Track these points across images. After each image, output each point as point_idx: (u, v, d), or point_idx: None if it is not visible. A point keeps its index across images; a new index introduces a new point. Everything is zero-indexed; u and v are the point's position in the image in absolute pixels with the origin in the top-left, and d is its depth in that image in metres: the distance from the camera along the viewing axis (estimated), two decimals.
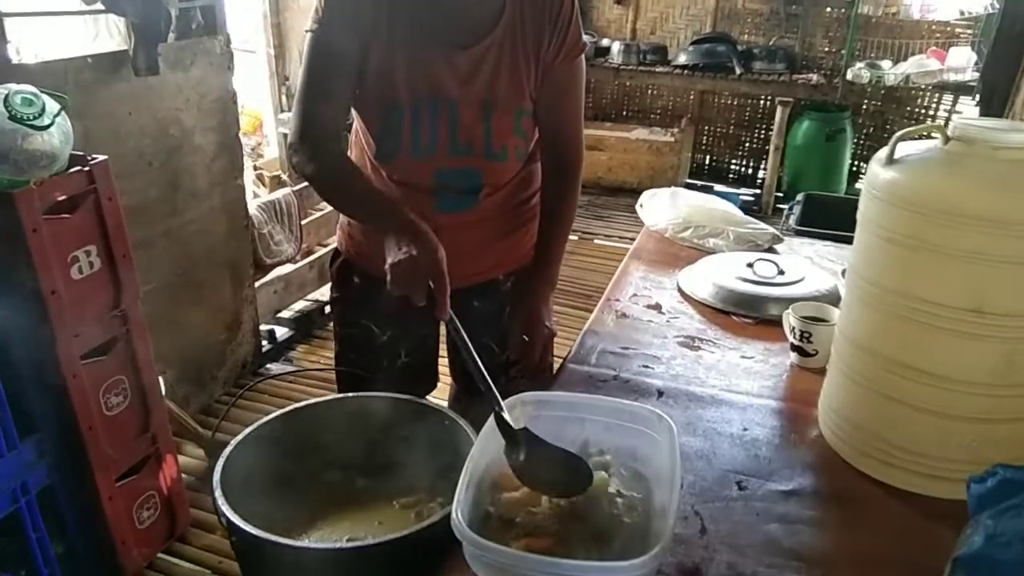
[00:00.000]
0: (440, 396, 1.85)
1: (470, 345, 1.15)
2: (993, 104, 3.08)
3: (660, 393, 1.47)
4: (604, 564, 0.97)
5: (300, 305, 3.37)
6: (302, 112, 1.36)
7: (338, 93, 1.37)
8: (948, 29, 5.10)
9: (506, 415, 1.10)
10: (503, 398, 1.14)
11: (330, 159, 1.36)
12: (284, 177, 3.71)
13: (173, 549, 2.12)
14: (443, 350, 1.76)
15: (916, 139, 1.19)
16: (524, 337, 1.50)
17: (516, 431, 1.10)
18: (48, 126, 1.52)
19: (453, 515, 0.99)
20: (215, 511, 1.13)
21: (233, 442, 1.27)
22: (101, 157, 1.70)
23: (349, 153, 1.59)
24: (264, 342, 3.11)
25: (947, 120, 1.16)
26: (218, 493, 1.15)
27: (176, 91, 2.40)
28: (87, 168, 1.67)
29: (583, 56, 1.47)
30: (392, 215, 1.27)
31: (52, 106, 1.55)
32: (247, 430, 1.30)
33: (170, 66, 2.35)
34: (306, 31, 1.35)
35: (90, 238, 1.69)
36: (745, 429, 1.37)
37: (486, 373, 1.12)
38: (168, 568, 2.08)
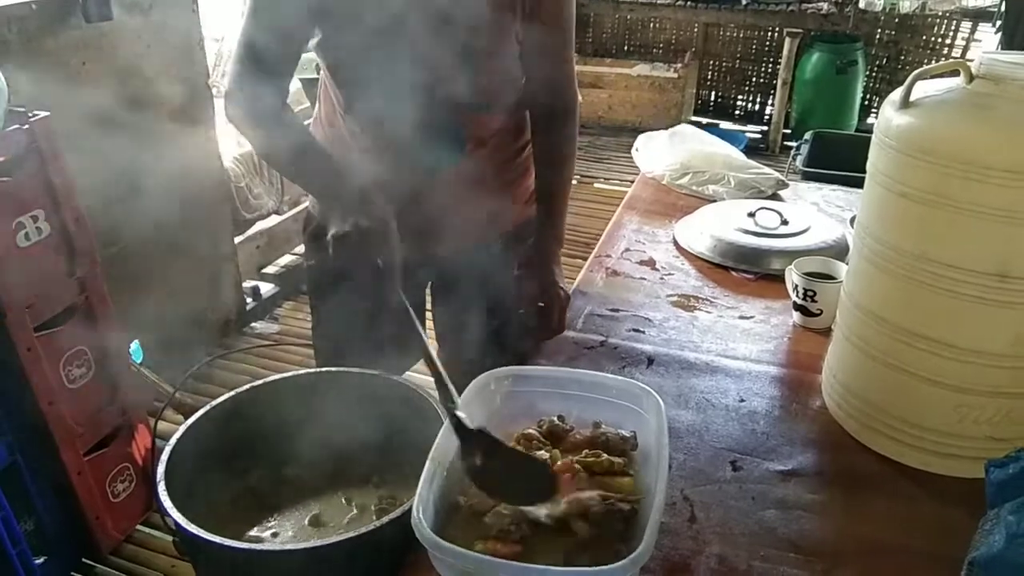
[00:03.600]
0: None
1: (424, 337, 1.07)
2: (1018, 33, 2.89)
3: (650, 360, 1.36)
4: (577, 570, 0.87)
5: (286, 260, 3.26)
6: (239, 61, 1.21)
7: (283, 37, 1.23)
8: None
9: (462, 415, 0.98)
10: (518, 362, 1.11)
11: (269, 119, 1.22)
12: None
13: (152, 521, 2.05)
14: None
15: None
16: (540, 304, 1.39)
17: (473, 433, 0.98)
18: None
19: (414, 514, 0.89)
20: (159, 510, 1.04)
21: (182, 428, 1.18)
22: (43, 113, 1.57)
23: (318, 110, 1.46)
24: (248, 300, 3.00)
25: (965, 49, 1.01)
26: (161, 488, 1.05)
27: (134, 37, 2.24)
28: (27, 126, 1.53)
29: None
30: (339, 179, 1.16)
31: None
32: (197, 414, 1.20)
33: (126, 10, 2.18)
34: None
35: (36, 202, 1.57)
36: (742, 400, 1.26)
37: (441, 368, 1.03)
38: (147, 541, 2.01)
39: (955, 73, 1.02)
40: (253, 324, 2.96)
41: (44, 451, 1.71)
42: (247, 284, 3.00)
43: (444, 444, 1.01)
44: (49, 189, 1.59)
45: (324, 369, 1.32)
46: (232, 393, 1.26)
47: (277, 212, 3.18)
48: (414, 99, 1.27)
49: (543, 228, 1.43)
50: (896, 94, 1.03)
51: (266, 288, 3.11)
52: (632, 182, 2.15)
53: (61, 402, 1.69)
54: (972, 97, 0.98)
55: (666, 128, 2.30)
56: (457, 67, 1.26)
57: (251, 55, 1.22)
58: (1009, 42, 2.89)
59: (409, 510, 0.90)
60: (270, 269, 3.18)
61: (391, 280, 1.08)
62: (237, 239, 2.82)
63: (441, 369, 1.02)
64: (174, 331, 2.61)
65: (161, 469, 1.08)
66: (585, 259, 1.72)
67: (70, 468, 1.75)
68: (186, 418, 2.28)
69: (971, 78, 0.99)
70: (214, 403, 1.24)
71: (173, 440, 1.15)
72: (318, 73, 3.36)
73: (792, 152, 3.38)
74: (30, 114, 1.56)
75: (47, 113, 1.57)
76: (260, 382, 1.29)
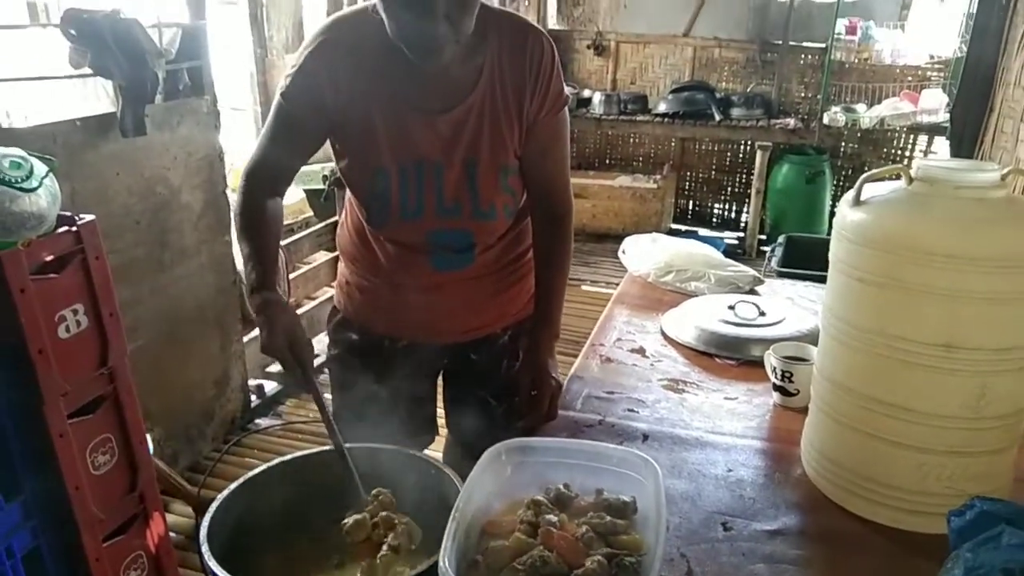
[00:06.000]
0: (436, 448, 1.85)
1: (328, 413, 1.35)
2: (963, 144, 3.16)
3: (645, 437, 1.48)
4: None
5: None
6: (257, 158, 1.45)
7: (293, 153, 1.45)
8: (919, 72, 5.24)
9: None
10: None
11: (254, 200, 1.44)
12: None
13: None
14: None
15: (884, 180, 1.23)
16: (532, 392, 1.51)
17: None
18: (36, 188, 1.54)
19: (440, 563, 1.00)
20: (202, 569, 1.13)
21: (219, 498, 1.27)
22: (88, 217, 1.71)
23: (344, 219, 1.63)
24: (253, 397, 3.10)
25: (907, 159, 1.19)
26: (205, 549, 1.15)
27: (163, 150, 2.44)
28: (75, 228, 1.68)
29: (566, 108, 1.50)
30: (255, 283, 1.38)
31: (40, 168, 1.57)
32: (232, 485, 1.29)
33: (157, 126, 2.39)
34: (279, 91, 1.40)
35: (77, 297, 1.69)
36: (730, 470, 1.38)
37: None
38: None
39: (898, 177, 1.20)
40: (257, 420, 3.05)
41: (65, 536, 1.76)
42: (252, 382, 3.11)
43: (464, 505, 1.12)
44: (90, 285, 1.72)
45: (348, 445, 1.43)
46: (261, 468, 1.35)
47: None
48: (428, 211, 1.44)
49: (539, 321, 1.57)
50: (849, 194, 1.20)
51: (270, 386, 3.21)
52: (617, 284, 2.31)
53: (86, 488, 1.76)
54: (912, 196, 1.15)
55: (648, 233, 2.50)
56: (465, 183, 1.43)
57: (269, 146, 1.43)
58: (956, 151, 3.16)
59: (434, 564, 1.00)
60: (274, 368, 3.29)
61: (303, 374, 1.34)
62: (245, 338, 2.95)
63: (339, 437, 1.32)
64: (183, 426, 2.70)
65: (203, 533, 1.17)
66: (575, 355, 1.84)
67: (89, 554, 1.79)
68: (196, 511, 2.34)
69: (911, 180, 1.17)
70: (243, 478, 1.33)
71: (212, 509, 1.25)
72: (323, 184, 3.57)
73: (767, 254, 3.58)
74: (77, 218, 1.71)
75: (92, 217, 1.72)
76: (285, 458, 1.38)
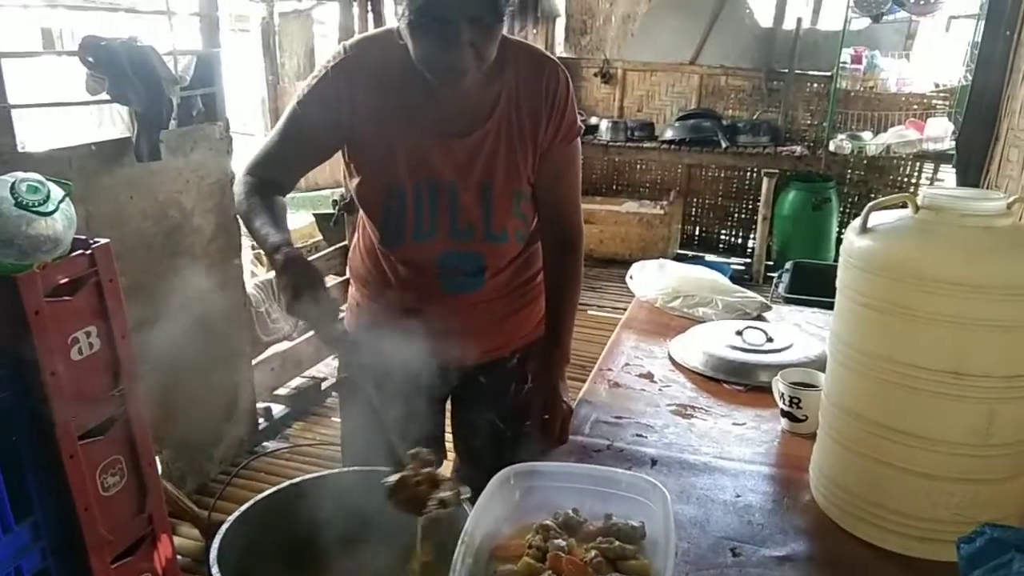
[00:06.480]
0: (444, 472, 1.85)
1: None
2: (969, 172, 3.18)
3: (654, 462, 1.48)
4: None
5: (296, 382, 3.39)
6: (260, 156, 1.47)
7: (296, 158, 1.49)
8: (925, 101, 5.27)
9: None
10: None
11: (259, 187, 1.44)
12: None
13: None
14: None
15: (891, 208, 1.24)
16: (544, 416, 1.52)
17: None
18: (52, 212, 1.57)
19: None
20: None
21: (229, 519, 1.27)
22: (103, 240, 1.74)
23: (356, 241, 1.65)
24: (261, 420, 3.11)
25: (913, 186, 1.20)
26: (216, 572, 1.15)
27: (176, 175, 2.47)
28: (89, 251, 1.71)
29: (579, 138, 1.53)
30: (274, 244, 1.33)
31: (57, 193, 1.60)
32: (243, 507, 1.30)
33: (171, 151, 2.42)
34: (295, 98, 1.43)
35: (90, 319, 1.72)
36: (738, 496, 1.38)
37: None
38: None
39: (904, 205, 1.21)
40: (265, 443, 3.06)
41: (74, 557, 1.77)
42: (260, 405, 3.12)
43: (473, 530, 1.12)
44: (103, 308, 1.74)
45: (355, 468, 1.43)
46: (270, 491, 1.35)
47: (288, 338, 3.34)
48: (441, 233, 1.46)
49: (550, 345, 1.58)
50: (856, 222, 1.22)
51: (278, 409, 3.23)
52: (624, 309, 2.32)
53: (95, 509, 1.77)
54: (918, 224, 1.16)
55: (655, 259, 2.52)
56: (477, 205, 1.45)
57: (276, 147, 1.45)
58: (962, 180, 3.17)
59: None
60: (282, 391, 3.31)
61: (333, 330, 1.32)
62: (253, 361, 2.96)
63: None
64: (192, 448, 2.71)
65: (213, 555, 1.18)
66: (583, 380, 1.84)
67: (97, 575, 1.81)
68: (202, 533, 2.35)
69: (917, 208, 1.18)
70: (253, 501, 1.33)
71: (221, 532, 1.25)
72: (333, 208, 3.61)
73: (774, 280, 3.59)
74: (92, 241, 1.74)
75: (107, 240, 1.75)
76: (294, 481, 1.38)
